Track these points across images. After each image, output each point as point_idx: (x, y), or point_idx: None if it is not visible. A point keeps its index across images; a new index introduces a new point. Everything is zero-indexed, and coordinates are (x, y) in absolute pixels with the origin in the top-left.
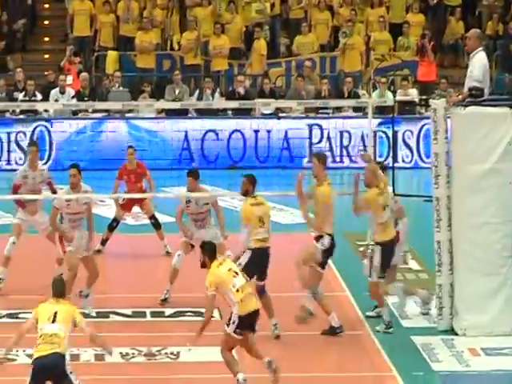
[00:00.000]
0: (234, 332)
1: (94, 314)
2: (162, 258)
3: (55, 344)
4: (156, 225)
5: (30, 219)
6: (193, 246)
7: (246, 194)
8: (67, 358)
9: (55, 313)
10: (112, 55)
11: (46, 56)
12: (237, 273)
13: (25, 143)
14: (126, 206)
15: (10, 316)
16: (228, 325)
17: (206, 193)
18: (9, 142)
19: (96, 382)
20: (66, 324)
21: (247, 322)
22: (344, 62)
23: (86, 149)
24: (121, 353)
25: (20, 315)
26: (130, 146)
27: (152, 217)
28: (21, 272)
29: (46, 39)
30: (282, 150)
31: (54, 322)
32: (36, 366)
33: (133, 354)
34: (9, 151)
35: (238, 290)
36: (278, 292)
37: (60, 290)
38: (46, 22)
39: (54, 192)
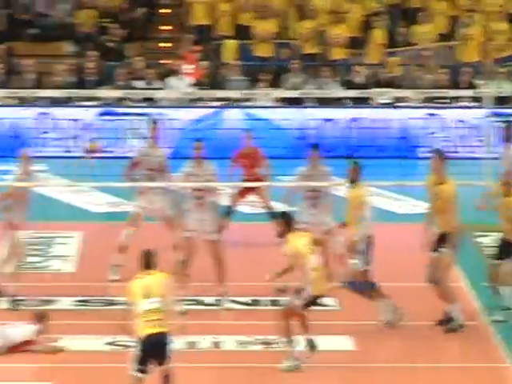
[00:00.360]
0: (302, 307)
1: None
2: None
3: (157, 320)
4: (272, 214)
5: (150, 207)
6: None
7: (353, 181)
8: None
9: (149, 287)
10: (230, 44)
11: (166, 44)
12: (313, 251)
13: (144, 131)
14: (243, 192)
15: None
16: (298, 298)
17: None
18: (128, 130)
19: (213, 370)
20: (163, 294)
21: (316, 302)
22: (462, 53)
23: (204, 137)
24: (237, 341)
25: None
26: (248, 130)
27: (267, 205)
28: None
29: (166, 28)
30: (399, 139)
31: (150, 296)
32: (144, 345)
33: (250, 342)
34: (127, 139)
35: (313, 269)
36: (392, 282)
37: (147, 262)
38: (166, 11)
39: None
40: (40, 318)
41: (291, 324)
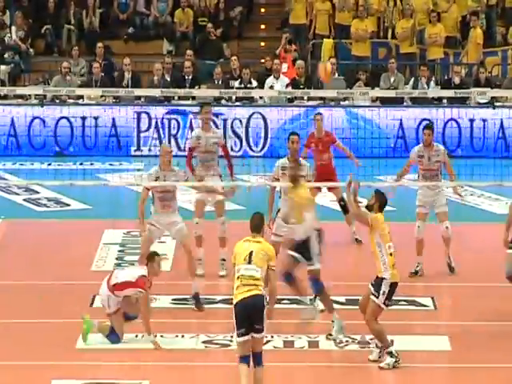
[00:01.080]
0: (384, 304)
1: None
2: (350, 245)
3: (253, 285)
4: (345, 208)
5: (211, 195)
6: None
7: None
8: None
9: (251, 252)
10: (327, 43)
11: (262, 43)
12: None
13: (241, 130)
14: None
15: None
16: (377, 296)
17: None
18: (225, 128)
19: (284, 369)
20: (262, 264)
21: (392, 292)
22: None
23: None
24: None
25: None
26: (318, 113)
27: (341, 199)
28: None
29: (262, 27)
30: (498, 139)
31: (249, 262)
32: (238, 309)
33: (347, 341)
34: (224, 137)
35: (391, 254)
36: (489, 282)
37: (256, 225)
38: (263, 10)
39: (227, 153)
40: (150, 257)
41: (381, 325)
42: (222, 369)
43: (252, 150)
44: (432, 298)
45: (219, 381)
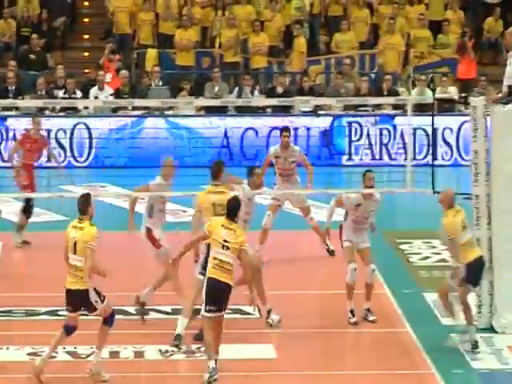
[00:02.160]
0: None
1: None
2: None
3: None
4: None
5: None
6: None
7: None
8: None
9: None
10: (151, 53)
11: (86, 54)
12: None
13: (65, 140)
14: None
15: None
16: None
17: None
18: (49, 138)
19: (135, 380)
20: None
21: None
22: (383, 61)
23: (126, 146)
24: (160, 350)
25: None
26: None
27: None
28: None
29: (86, 37)
30: (321, 147)
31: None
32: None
33: (172, 351)
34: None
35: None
36: None
37: (233, 210)
38: (86, 20)
39: None
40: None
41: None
42: (50, 380)
43: (76, 160)
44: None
45: None
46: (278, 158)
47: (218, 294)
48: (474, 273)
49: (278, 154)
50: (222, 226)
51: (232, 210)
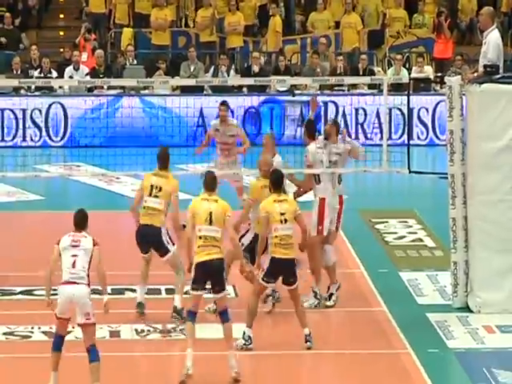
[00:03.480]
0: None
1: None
2: None
3: (214, 247)
4: None
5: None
6: None
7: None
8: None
9: (210, 213)
10: (127, 32)
11: (61, 33)
12: None
13: (40, 120)
14: None
15: None
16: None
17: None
18: (24, 118)
19: (111, 359)
20: (222, 225)
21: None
22: (345, 40)
23: (101, 126)
24: (136, 329)
25: None
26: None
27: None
28: None
29: (61, 16)
30: (297, 127)
31: (210, 223)
32: (198, 270)
33: (148, 330)
34: (24, 128)
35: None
36: None
37: (211, 184)
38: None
39: None
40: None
41: None
42: (25, 360)
43: (52, 139)
44: (233, 286)
45: (23, 372)
46: (217, 131)
47: (282, 271)
48: None
49: (217, 127)
50: (274, 201)
51: (276, 182)
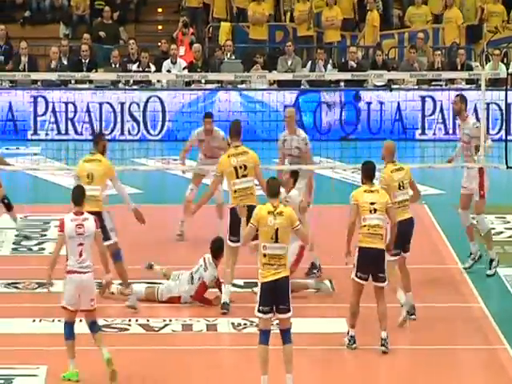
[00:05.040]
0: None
1: None
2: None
3: (280, 266)
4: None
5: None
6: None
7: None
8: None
9: (276, 230)
10: (225, 27)
11: (159, 27)
12: None
13: (138, 114)
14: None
15: None
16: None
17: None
18: (122, 112)
19: (208, 352)
20: (288, 240)
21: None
22: (446, 35)
23: (199, 120)
24: (233, 323)
25: None
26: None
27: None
28: None
29: (159, 10)
30: (395, 121)
31: (276, 241)
32: (264, 289)
33: (245, 324)
34: (122, 122)
35: None
36: None
37: (370, 173)
38: None
39: None
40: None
41: None
42: (124, 352)
43: (149, 133)
44: (330, 281)
45: (125, 364)
46: (201, 141)
47: (370, 262)
48: None
49: (202, 138)
50: (365, 191)
51: (368, 174)
